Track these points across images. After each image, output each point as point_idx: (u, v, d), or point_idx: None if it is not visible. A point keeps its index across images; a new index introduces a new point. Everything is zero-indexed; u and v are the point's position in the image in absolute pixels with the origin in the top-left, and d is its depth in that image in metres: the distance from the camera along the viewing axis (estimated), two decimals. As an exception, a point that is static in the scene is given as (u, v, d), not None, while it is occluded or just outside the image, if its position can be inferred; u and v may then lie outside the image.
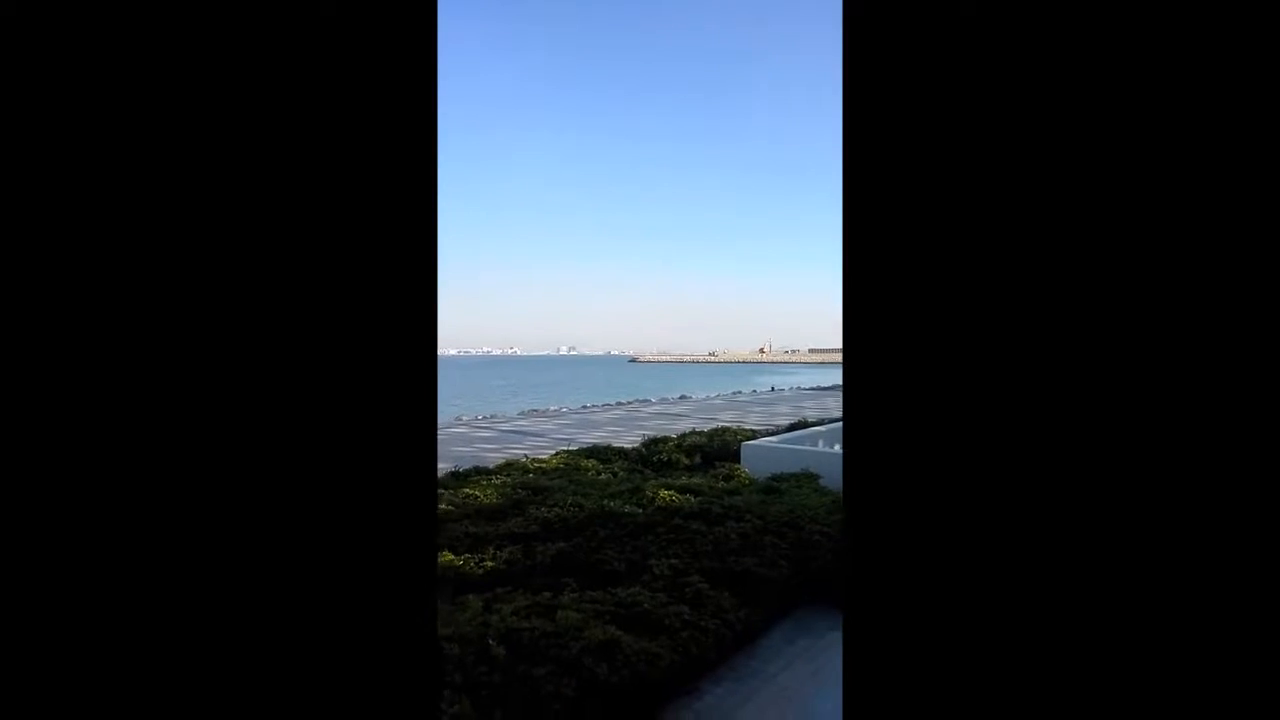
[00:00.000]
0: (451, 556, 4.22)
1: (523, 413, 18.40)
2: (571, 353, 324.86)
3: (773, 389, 30.83)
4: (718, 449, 8.96)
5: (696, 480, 6.28)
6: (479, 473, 6.93)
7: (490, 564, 4.16)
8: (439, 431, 14.02)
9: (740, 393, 25.00)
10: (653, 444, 9.20)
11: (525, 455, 8.50)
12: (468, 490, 5.73)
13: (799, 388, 31.87)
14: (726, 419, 14.55)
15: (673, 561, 4.04)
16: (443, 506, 5.27)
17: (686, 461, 8.45)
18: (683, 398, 23.08)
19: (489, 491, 5.70)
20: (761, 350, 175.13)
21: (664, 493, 5.49)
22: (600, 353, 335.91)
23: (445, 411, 21.28)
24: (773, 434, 9.58)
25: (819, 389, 29.52)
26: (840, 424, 9.06)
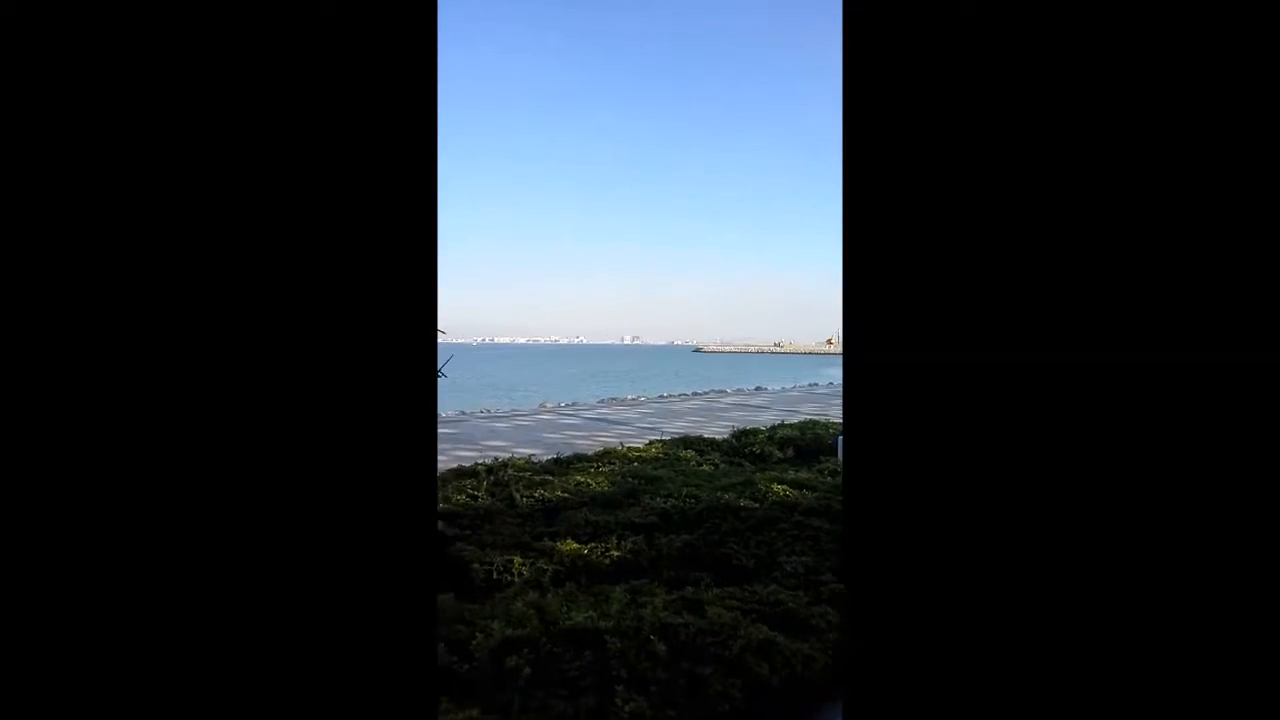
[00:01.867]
0: (576, 545, 4.22)
1: (602, 400, 18.54)
2: (635, 341, 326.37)
3: (848, 381, 29.96)
4: (810, 442, 8.73)
5: (804, 474, 6.12)
6: (581, 459, 6.96)
7: (616, 553, 4.15)
8: (527, 418, 14.27)
9: (816, 385, 24.46)
10: (742, 435, 9.05)
11: (620, 444, 8.50)
12: (578, 478, 5.75)
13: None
14: (809, 411, 14.23)
15: (804, 559, 3.93)
16: (557, 493, 5.31)
17: (780, 455, 8.27)
18: (759, 389, 22.77)
19: (599, 479, 5.71)
20: (829, 341, 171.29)
21: (776, 486, 5.37)
22: (663, 342, 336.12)
23: (528, 399, 21.66)
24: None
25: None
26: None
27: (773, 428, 9.64)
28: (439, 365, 4.23)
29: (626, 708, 2.28)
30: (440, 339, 4.35)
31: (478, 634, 2.66)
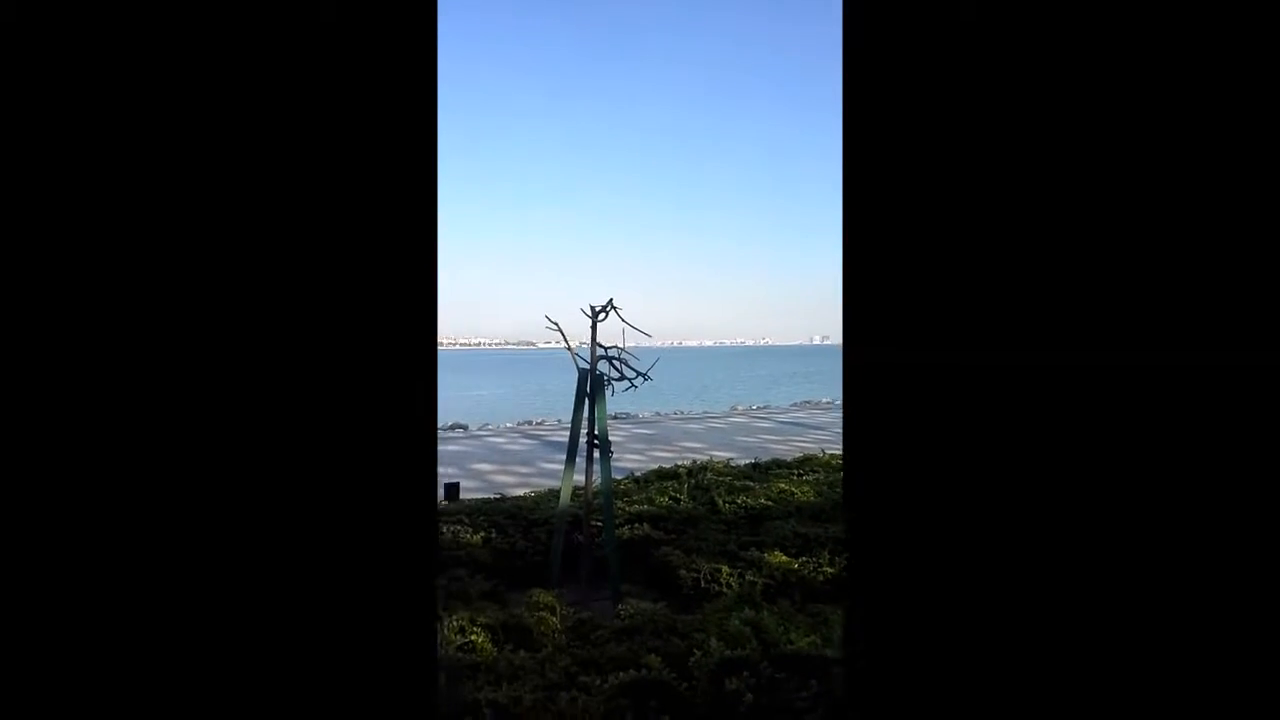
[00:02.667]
0: (786, 558, 3.97)
1: (795, 404, 17.94)
2: (825, 342, 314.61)
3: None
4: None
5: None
6: (780, 465, 6.67)
7: (829, 570, 3.84)
8: (720, 420, 14.22)
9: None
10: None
11: (820, 450, 8.06)
12: (780, 485, 5.48)
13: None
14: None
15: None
16: (760, 500, 5.10)
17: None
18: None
19: (803, 488, 5.39)
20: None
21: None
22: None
23: (718, 401, 21.65)
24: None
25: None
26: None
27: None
28: (646, 369, 4.24)
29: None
30: (646, 342, 4.27)
31: (695, 650, 2.53)
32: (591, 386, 4.13)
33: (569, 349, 4.17)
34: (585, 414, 4.20)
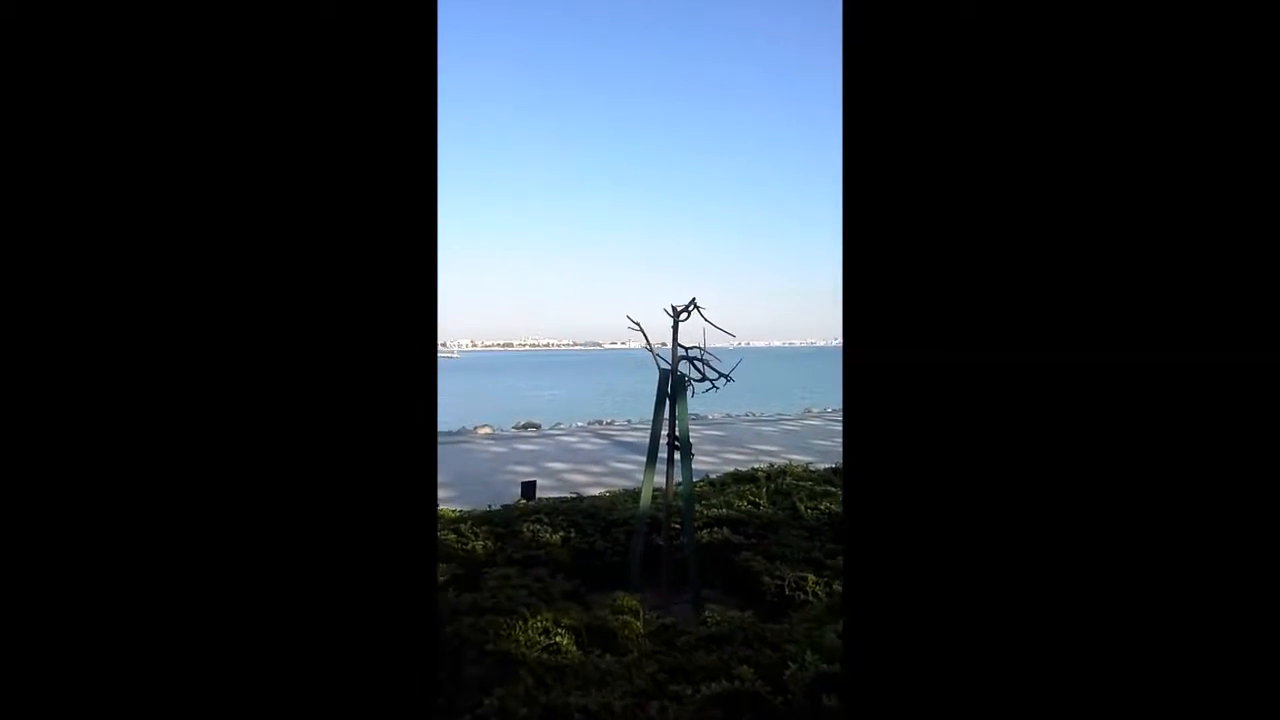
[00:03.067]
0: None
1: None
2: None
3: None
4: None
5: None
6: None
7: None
8: (793, 422, 13.93)
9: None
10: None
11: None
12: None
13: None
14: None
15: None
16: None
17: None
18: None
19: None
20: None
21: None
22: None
23: (793, 403, 21.24)
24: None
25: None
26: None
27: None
28: (729, 370, 4.15)
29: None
30: (731, 344, 4.15)
31: (789, 662, 2.43)
32: (673, 387, 4.07)
33: (649, 349, 4.11)
34: (666, 415, 4.14)
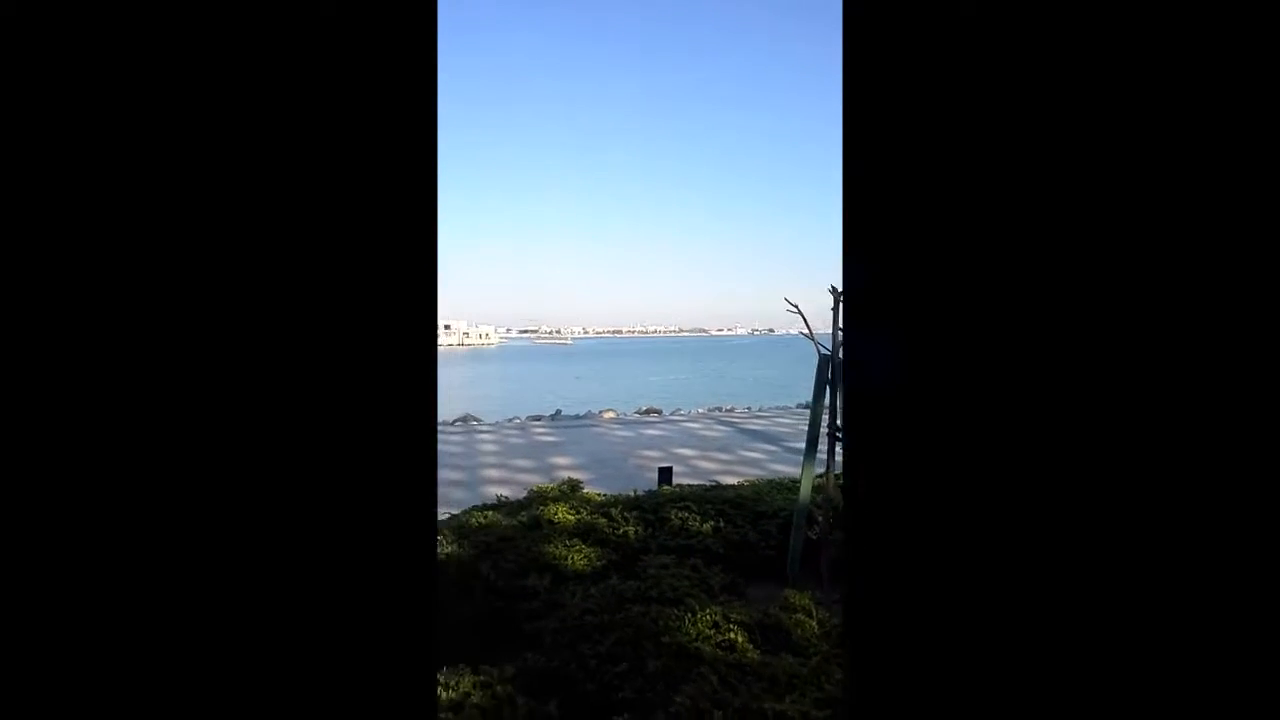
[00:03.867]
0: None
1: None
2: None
3: None
4: None
5: None
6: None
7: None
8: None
9: None
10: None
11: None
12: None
13: None
14: None
15: None
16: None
17: None
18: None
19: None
20: None
21: None
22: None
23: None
24: None
25: None
26: None
27: None
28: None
29: None
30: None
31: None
32: (833, 374, 3.84)
33: (808, 334, 3.90)
34: (825, 403, 3.92)
